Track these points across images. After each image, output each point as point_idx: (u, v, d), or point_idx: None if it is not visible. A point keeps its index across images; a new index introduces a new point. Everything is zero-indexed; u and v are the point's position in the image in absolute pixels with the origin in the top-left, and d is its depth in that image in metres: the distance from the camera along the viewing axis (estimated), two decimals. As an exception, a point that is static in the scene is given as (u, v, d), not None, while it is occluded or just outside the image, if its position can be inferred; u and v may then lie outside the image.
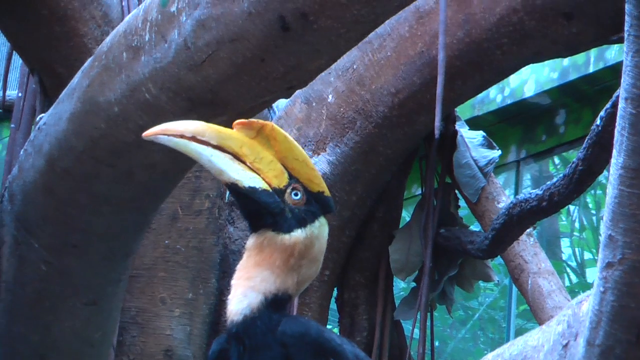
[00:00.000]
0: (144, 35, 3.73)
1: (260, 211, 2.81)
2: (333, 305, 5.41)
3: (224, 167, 2.80)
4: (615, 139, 2.62)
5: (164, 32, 3.67)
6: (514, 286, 5.97)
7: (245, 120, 2.83)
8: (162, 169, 3.96)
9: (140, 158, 3.89)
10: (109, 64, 3.84)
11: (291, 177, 2.83)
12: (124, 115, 3.81)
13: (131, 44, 3.77)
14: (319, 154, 5.08)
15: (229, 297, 2.81)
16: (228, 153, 2.81)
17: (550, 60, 6.01)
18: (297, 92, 5.00)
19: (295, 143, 2.85)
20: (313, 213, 2.82)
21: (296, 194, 2.82)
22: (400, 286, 6.97)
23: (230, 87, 3.63)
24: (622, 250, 2.64)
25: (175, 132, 2.80)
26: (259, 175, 2.82)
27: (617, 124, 2.60)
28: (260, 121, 2.84)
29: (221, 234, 5.14)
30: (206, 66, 3.60)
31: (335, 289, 5.36)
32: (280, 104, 5.37)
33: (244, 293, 2.79)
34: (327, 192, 2.86)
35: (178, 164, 3.95)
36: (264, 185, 2.81)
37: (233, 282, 2.82)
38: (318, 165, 5.00)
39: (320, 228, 2.84)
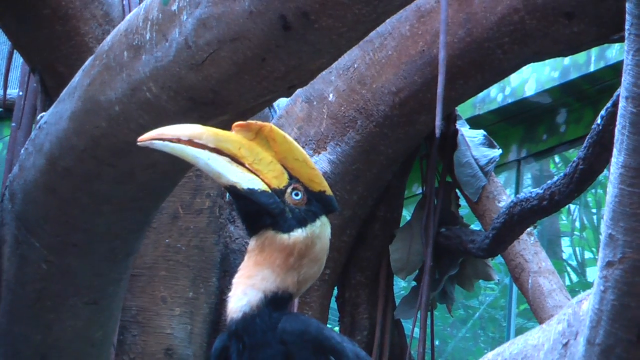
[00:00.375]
0: (145, 34, 3.72)
1: (260, 212, 2.80)
2: (334, 304, 5.41)
3: (221, 170, 2.80)
4: (615, 138, 2.62)
5: (165, 31, 3.67)
6: (514, 285, 5.98)
7: (244, 122, 2.83)
8: (163, 168, 3.96)
9: (141, 158, 3.89)
10: (110, 63, 3.84)
11: (291, 177, 2.83)
12: (124, 114, 3.81)
13: (132, 43, 3.76)
14: (319, 153, 5.08)
15: (229, 295, 2.81)
16: (226, 155, 2.81)
17: (551, 60, 6.02)
18: (298, 91, 4.99)
19: (295, 143, 2.85)
20: (314, 213, 2.82)
21: (297, 194, 2.82)
22: (401, 285, 6.98)
23: (232, 86, 3.63)
24: (623, 249, 2.64)
25: (172, 136, 2.79)
26: (258, 176, 2.81)
27: (617, 123, 2.61)
28: (259, 122, 2.83)
29: (222, 232, 5.14)
30: (207, 65, 3.59)
31: (335, 288, 5.36)
32: (281, 103, 5.37)
33: (244, 291, 2.79)
34: (328, 191, 2.86)
35: (178, 164, 3.92)
36: (263, 187, 2.81)
37: (234, 281, 2.82)
38: (319, 165, 5.00)
39: (321, 227, 2.83)
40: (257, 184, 2.80)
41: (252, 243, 2.83)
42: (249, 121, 2.84)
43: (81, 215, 4.12)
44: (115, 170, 3.96)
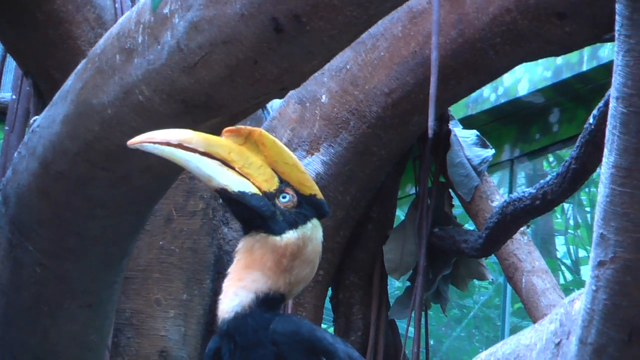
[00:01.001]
0: (137, 37, 3.72)
1: (252, 215, 2.82)
2: (328, 305, 5.42)
3: (212, 173, 2.82)
4: (606, 138, 2.63)
5: (157, 34, 3.67)
6: (508, 284, 5.99)
7: (233, 128, 2.85)
8: (157, 171, 3.96)
9: (135, 161, 3.88)
10: (102, 66, 3.84)
11: (282, 181, 2.85)
12: (117, 117, 3.81)
13: (124, 46, 3.76)
14: (312, 155, 5.09)
15: (220, 297, 2.83)
16: (216, 159, 2.83)
17: (544, 59, 6.02)
18: (291, 92, 4.99)
19: (285, 147, 2.87)
20: (305, 215, 2.84)
21: (284, 197, 2.83)
22: (395, 285, 6.99)
23: (224, 89, 3.63)
24: (614, 249, 2.65)
25: (161, 140, 2.81)
26: (248, 180, 2.83)
27: (608, 123, 2.62)
28: (249, 127, 2.86)
29: (215, 234, 5.14)
30: (199, 68, 3.59)
31: (329, 289, 5.37)
32: (274, 104, 5.38)
33: (235, 292, 2.81)
34: (319, 195, 2.87)
35: (172, 166, 3.93)
36: (254, 190, 2.83)
37: (224, 284, 2.84)
38: (312, 166, 5.02)
39: (313, 230, 2.85)
40: (247, 187, 2.82)
41: (241, 245, 2.85)
42: (239, 126, 2.87)
43: (75, 219, 4.12)
44: (109, 173, 3.96)
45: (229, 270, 2.85)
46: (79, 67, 3.99)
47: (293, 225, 2.82)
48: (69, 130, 3.98)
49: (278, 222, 2.82)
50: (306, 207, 2.84)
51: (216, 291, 5.04)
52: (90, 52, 3.96)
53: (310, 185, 2.87)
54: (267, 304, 2.80)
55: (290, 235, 2.81)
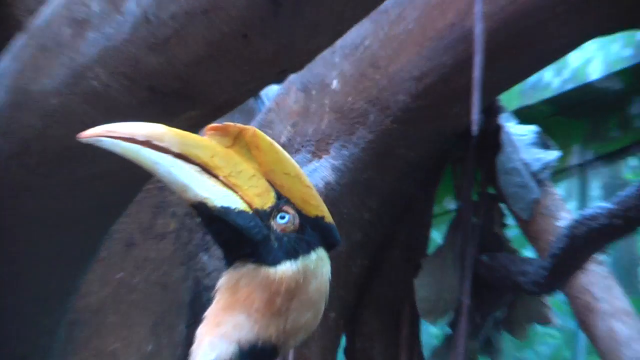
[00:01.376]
0: (92, 5, 3.75)
1: (238, 240, 2.81)
2: (342, 358, 5.42)
3: (188, 181, 2.81)
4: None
5: (117, 2, 3.70)
6: (580, 331, 6.00)
7: (219, 124, 2.84)
8: (114, 178, 3.98)
9: (86, 165, 3.90)
10: (46, 42, 3.87)
11: (280, 196, 2.83)
12: (64, 109, 3.84)
13: (75, 17, 3.79)
14: (320, 157, 5.10)
15: (192, 349, 2.82)
16: (195, 164, 2.82)
17: (622, 33, 6.03)
18: (292, 77, 5.03)
19: (285, 153, 2.85)
20: (308, 243, 2.81)
21: (282, 217, 2.82)
22: (431, 332, 6.99)
23: (204, 71, 3.65)
24: None
25: (124, 134, 2.80)
26: (235, 192, 2.82)
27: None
28: (239, 125, 2.84)
29: (191, 264, 5.14)
30: (172, 45, 3.61)
31: (343, 336, 5.37)
32: (271, 92, 5.40)
33: (211, 343, 2.80)
34: (328, 218, 2.85)
35: (136, 172, 3.93)
36: (242, 205, 2.81)
37: (198, 331, 2.83)
38: (319, 173, 5.03)
39: (317, 262, 2.82)
40: (234, 202, 2.80)
41: (222, 281, 2.84)
42: (226, 123, 2.84)
43: (4, 241, 4.13)
44: (50, 181, 3.98)
45: (206, 313, 2.84)
46: (15, 43, 4.01)
47: (292, 254, 2.79)
48: (1, 125, 3.99)
49: (272, 250, 2.80)
50: (310, 233, 2.82)
51: (192, 339, 5.04)
52: (31, 24, 3.98)
53: (317, 204, 2.83)
54: (255, 358, 2.77)
55: (287, 268, 2.79)
